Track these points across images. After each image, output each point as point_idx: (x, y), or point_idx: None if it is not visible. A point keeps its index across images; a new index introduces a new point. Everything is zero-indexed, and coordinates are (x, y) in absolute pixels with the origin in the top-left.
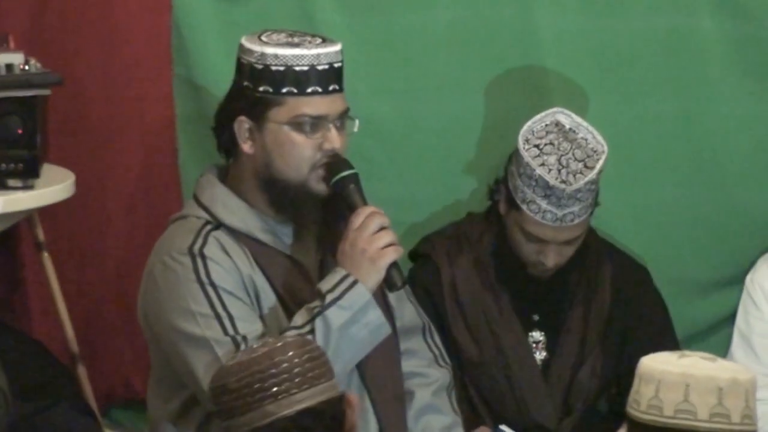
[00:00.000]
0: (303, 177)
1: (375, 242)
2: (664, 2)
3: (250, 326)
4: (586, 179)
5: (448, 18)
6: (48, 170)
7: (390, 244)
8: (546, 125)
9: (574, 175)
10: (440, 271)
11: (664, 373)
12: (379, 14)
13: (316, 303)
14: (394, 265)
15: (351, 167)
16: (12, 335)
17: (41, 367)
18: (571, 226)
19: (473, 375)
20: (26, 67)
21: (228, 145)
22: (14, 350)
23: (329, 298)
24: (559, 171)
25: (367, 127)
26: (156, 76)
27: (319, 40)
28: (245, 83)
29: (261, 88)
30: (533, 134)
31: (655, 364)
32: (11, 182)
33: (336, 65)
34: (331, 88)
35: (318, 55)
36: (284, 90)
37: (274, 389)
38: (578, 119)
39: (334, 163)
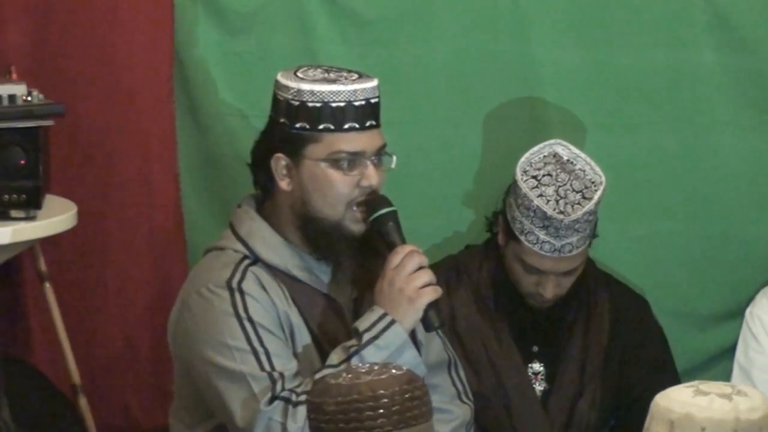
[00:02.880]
0: (339, 215)
1: (413, 282)
2: (663, 36)
3: (286, 363)
4: (584, 210)
5: (448, 51)
6: (50, 201)
7: (428, 284)
8: (544, 156)
9: (572, 206)
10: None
11: (678, 414)
12: (379, 47)
13: (353, 342)
14: (432, 304)
15: (390, 204)
16: (15, 366)
17: (43, 398)
18: (569, 257)
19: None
20: (29, 98)
21: (264, 182)
22: (17, 381)
23: (366, 337)
24: (557, 202)
25: None
26: (158, 107)
27: (355, 76)
28: (281, 120)
29: (298, 125)
30: (531, 165)
31: (667, 402)
32: (14, 213)
33: (373, 101)
34: (368, 123)
35: (355, 91)
36: (321, 126)
37: (368, 423)
38: (576, 150)
39: (373, 201)
